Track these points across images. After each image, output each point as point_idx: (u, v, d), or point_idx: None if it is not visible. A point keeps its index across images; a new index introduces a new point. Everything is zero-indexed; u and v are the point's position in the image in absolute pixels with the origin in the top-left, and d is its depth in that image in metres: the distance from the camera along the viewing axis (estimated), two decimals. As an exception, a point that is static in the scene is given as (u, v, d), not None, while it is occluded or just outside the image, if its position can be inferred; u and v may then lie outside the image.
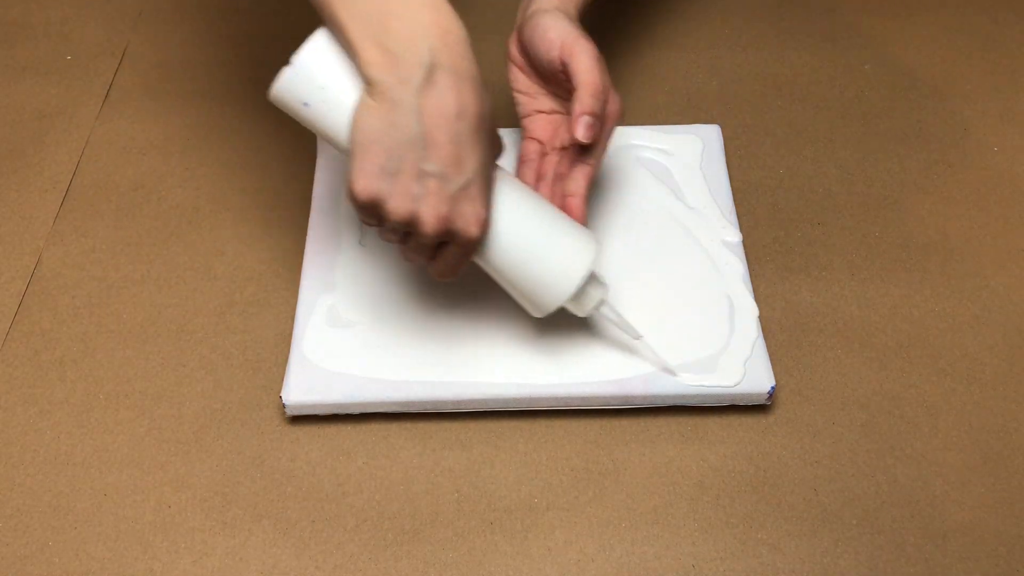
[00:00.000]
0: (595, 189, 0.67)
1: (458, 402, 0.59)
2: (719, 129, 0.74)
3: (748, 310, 0.63)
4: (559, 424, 0.60)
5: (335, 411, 0.59)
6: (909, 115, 0.78)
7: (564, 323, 0.60)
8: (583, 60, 0.58)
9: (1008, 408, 0.62)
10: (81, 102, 0.79)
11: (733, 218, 0.68)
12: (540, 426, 0.60)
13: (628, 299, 0.62)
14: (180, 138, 0.76)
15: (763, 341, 0.61)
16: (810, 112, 0.78)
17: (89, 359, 0.63)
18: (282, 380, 0.60)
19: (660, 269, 0.65)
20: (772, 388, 0.59)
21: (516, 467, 0.59)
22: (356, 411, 0.59)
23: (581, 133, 0.56)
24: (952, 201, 0.73)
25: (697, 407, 0.60)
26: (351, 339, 0.61)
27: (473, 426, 0.60)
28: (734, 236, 0.67)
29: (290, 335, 0.62)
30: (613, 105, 0.59)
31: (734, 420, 0.61)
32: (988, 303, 0.67)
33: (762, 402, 0.60)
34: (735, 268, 0.65)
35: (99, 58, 0.82)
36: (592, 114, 0.57)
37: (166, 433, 0.60)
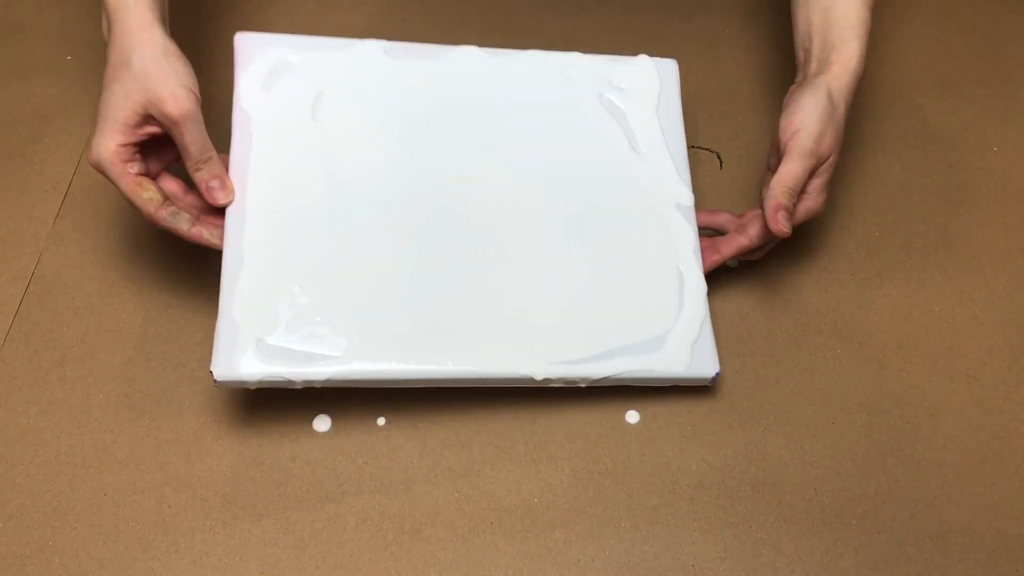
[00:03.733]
0: (550, 127, 0.66)
1: (391, 380, 0.56)
2: (675, 65, 0.70)
3: (697, 286, 0.62)
4: (559, 424, 0.60)
5: (272, 384, 0.55)
6: (909, 115, 0.78)
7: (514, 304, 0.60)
8: (793, 161, 0.61)
9: (1008, 408, 0.62)
10: (81, 102, 0.78)
11: (686, 174, 0.66)
12: (540, 426, 0.60)
13: (574, 265, 0.61)
14: (180, 138, 0.76)
15: (710, 321, 0.61)
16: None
17: (89, 359, 0.63)
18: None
19: (610, 233, 0.63)
20: (717, 374, 0.60)
21: (516, 467, 0.59)
22: (298, 385, 0.56)
23: (783, 225, 0.59)
24: (952, 201, 0.73)
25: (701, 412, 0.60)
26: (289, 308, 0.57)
27: (473, 426, 0.60)
28: (687, 198, 0.65)
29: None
30: (813, 206, 0.63)
31: (734, 420, 0.61)
32: (988, 303, 0.67)
33: (705, 384, 0.61)
34: (687, 236, 0.63)
35: (99, 58, 0.82)
36: (787, 209, 0.60)
37: (166, 433, 0.60)
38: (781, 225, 0.59)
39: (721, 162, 0.75)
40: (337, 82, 0.64)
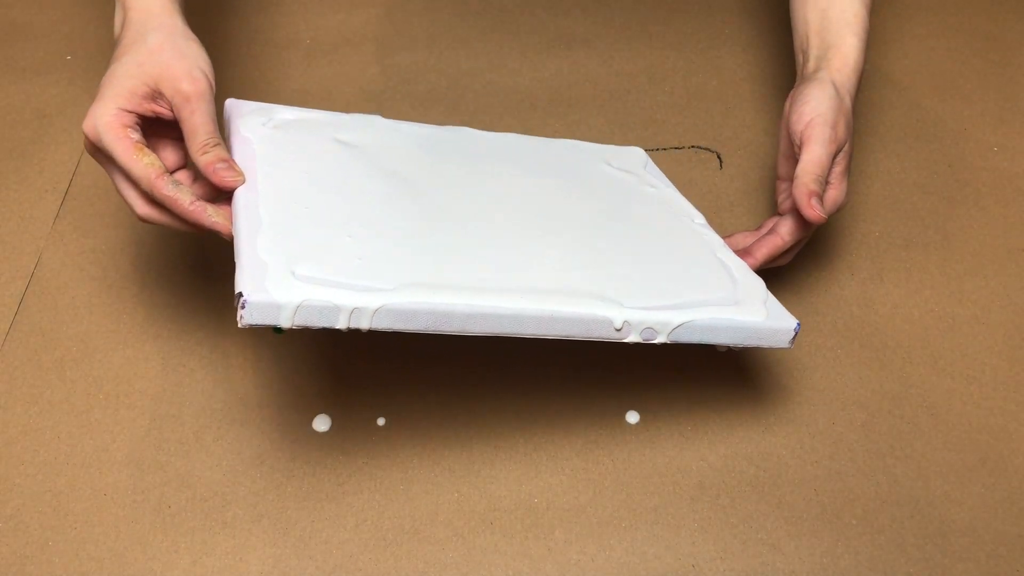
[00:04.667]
0: (561, 179, 0.66)
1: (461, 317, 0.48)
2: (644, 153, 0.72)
3: (740, 266, 0.59)
4: (559, 424, 0.60)
5: (312, 320, 0.45)
6: (909, 115, 0.78)
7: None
8: (814, 147, 0.60)
9: (1008, 408, 0.62)
10: (81, 102, 0.79)
11: (690, 204, 0.66)
12: (540, 426, 0.60)
13: (620, 245, 0.58)
14: (180, 138, 0.76)
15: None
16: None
17: (89, 359, 0.63)
18: (282, 379, 0.60)
19: (650, 238, 0.60)
20: (798, 325, 0.55)
21: (516, 467, 0.59)
22: (343, 323, 0.46)
23: (816, 213, 0.58)
24: (952, 201, 0.73)
25: (703, 405, 0.60)
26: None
27: (473, 426, 0.60)
28: (699, 216, 0.64)
29: (294, 331, 0.62)
30: (839, 197, 0.61)
31: (734, 420, 0.61)
32: (988, 303, 0.67)
33: (786, 344, 0.55)
34: (714, 238, 0.62)
35: (99, 58, 0.82)
36: (819, 197, 0.59)
37: (166, 433, 0.60)
38: (817, 211, 0.58)
39: (721, 162, 0.75)
40: (340, 134, 0.61)
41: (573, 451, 0.59)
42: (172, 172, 0.55)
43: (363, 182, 0.57)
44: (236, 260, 0.48)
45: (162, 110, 0.54)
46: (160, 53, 0.53)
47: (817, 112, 0.60)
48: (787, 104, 0.64)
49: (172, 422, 0.60)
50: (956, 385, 0.63)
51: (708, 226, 0.64)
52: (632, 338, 0.51)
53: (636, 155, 0.71)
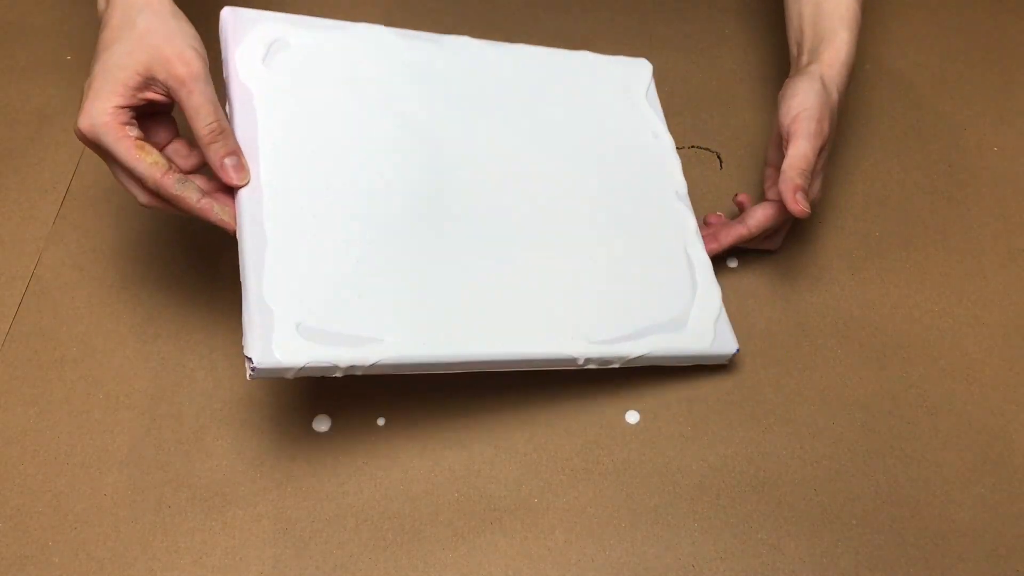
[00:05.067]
0: (562, 111, 0.67)
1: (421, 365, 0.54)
2: (649, 64, 0.73)
3: (704, 266, 0.64)
4: (559, 424, 0.60)
5: (313, 372, 0.51)
6: (909, 115, 0.78)
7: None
8: (800, 141, 0.61)
9: (1008, 408, 0.62)
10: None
11: (677, 162, 0.69)
12: (540, 426, 0.60)
13: (594, 249, 0.62)
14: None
15: (722, 302, 0.63)
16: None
17: (89, 359, 0.63)
18: (282, 379, 0.60)
19: (623, 217, 0.64)
20: (737, 350, 0.62)
21: (516, 467, 0.59)
22: (340, 372, 0.51)
23: (802, 207, 0.60)
24: (952, 201, 0.73)
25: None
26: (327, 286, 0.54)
27: (473, 426, 0.60)
28: (682, 186, 0.67)
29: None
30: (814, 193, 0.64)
31: (734, 420, 0.61)
32: (988, 303, 0.67)
33: (724, 362, 0.62)
34: (688, 221, 0.66)
35: (99, 58, 0.82)
36: (804, 192, 0.61)
37: (166, 433, 0.60)
38: (801, 205, 0.60)
39: (721, 162, 0.75)
40: (341, 59, 0.61)
41: (573, 451, 0.59)
42: (165, 147, 0.55)
43: (367, 168, 0.58)
44: (244, 301, 0.51)
45: (157, 96, 0.53)
46: (149, 36, 0.52)
47: (804, 107, 0.62)
48: (780, 93, 0.65)
49: (172, 422, 0.60)
50: (956, 385, 0.63)
51: (687, 200, 0.67)
52: (592, 366, 0.58)
53: (643, 68, 0.73)
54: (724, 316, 0.63)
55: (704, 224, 0.68)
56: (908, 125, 0.78)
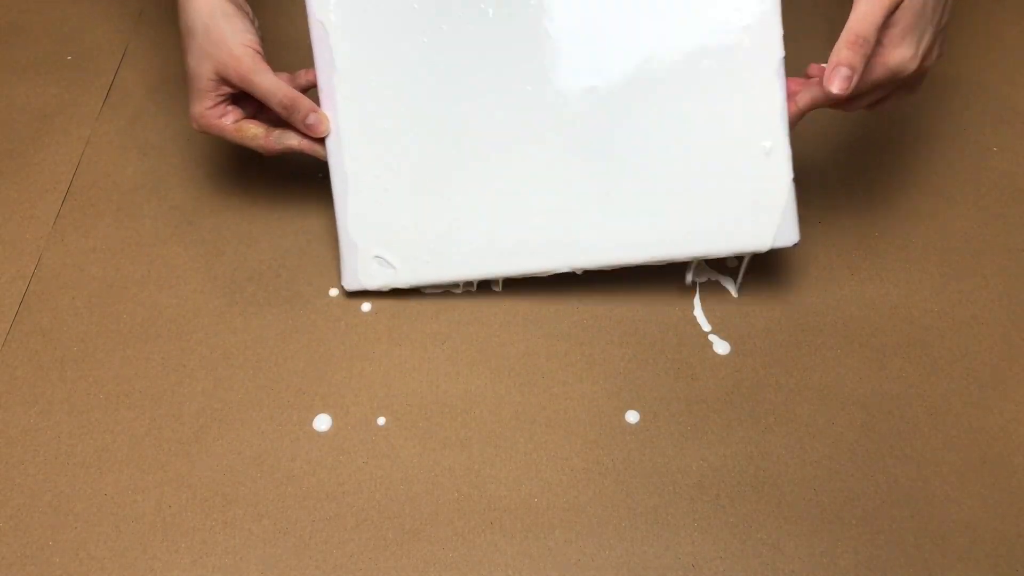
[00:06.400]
0: None
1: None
2: None
3: (782, 157, 0.59)
4: (559, 424, 0.60)
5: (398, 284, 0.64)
6: (909, 115, 0.78)
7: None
8: (861, 6, 0.53)
9: (1008, 408, 0.62)
10: (81, 102, 0.79)
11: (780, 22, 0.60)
12: (540, 426, 0.60)
13: (652, 128, 0.60)
14: (180, 138, 0.76)
15: (792, 191, 0.60)
16: (809, 112, 0.78)
17: (89, 359, 0.63)
18: (282, 379, 0.60)
19: (691, 91, 0.60)
20: (796, 242, 0.61)
21: (516, 467, 0.59)
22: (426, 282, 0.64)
23: (836, 85, 0.53)
24: (952, 201, 0.73)
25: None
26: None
27: (473, 426, 0.60)
28: (779, 53, 0.59)
29: (293, 332, 0.62)
30: (890, 60, 0.54)
31: (734, 420, 0.61)
32: (988, 303, 0.67)
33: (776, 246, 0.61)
34: (775, 99, 0.59)
35: (99, 58, 0.83)
36: (849, 66, 0.52)
37: (166, 433, 0.60)
38: (834, 84, 0.53)
39: None
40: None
41: (573, 451, 0.59)
42: (255, 117, 0.64)
43: (434, 106, 0.62)
44: (339, 231, 0.64)
45: (234, 89, 0.62)
46: (207, 45, 0.60)
47: None
48: None
49: (172, 422, 0.60)
50: (956, 385, 0.63)
51: (781, 70, 0.59)
52: (652, 264, 0.62)
53: None
54: (792, 204, 0.60)
55: (806, 77, 0.61)
56: (908, 125, 0.78)
